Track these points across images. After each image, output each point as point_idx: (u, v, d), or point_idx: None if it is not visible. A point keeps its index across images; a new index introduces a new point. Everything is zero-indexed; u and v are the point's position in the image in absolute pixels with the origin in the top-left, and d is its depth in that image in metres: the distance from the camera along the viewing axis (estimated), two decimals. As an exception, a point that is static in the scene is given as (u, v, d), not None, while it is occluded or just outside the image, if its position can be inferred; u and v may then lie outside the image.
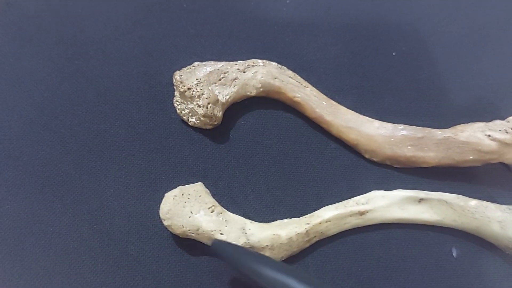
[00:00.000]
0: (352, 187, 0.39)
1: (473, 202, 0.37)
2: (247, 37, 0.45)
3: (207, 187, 0.37)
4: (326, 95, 0.42)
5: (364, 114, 0.41)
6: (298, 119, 0.42)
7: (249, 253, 0.32)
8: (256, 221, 0.37)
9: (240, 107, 0.41)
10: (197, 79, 0.39)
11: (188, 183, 0.37)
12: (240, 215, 0.37)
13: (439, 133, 0.39)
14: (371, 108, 0.42)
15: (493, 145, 0.38)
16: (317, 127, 0.41)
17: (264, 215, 0.38)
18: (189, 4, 0.46)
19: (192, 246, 0.36)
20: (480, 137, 0.38)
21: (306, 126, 0.42)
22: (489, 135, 0.38)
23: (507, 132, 0.37)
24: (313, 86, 0.42)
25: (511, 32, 0.47)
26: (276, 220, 0.37)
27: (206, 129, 0.40)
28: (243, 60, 0.41)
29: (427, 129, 0.39)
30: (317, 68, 0.44)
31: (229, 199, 0.38)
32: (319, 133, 0.41)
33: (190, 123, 0.40)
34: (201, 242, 0.35)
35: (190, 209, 0.34)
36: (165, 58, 0.43)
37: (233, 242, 0.34)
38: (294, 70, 0.42)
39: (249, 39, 0.45)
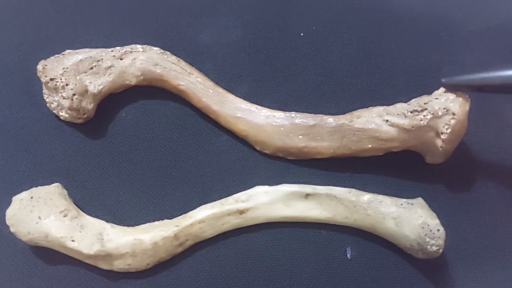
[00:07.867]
0: (241, 183, 0.35)
1: (366, 197, 0.32)
2: (142, 22, 0.41)
3: (74, 188, 0.34)
4: (222, 82, 0.38)
5: (263, 102, 0.37)
6: (186, 109, 0.38)
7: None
8: (127, 225, 0.33)
9: (120, 98, 0.37)
10: (63, 68, 0.35)
11: (54, 183, 0.33)
12: (110, 218, 0.33)
13: (332, 120, 0.35)
14: (272, 95, 0.39)
15: (391, 131, 0.34)
16: (207, 118, 0.37)
17: (138, 217, 0.34)
18: (78, -11, 0.42)
19: (48, 254, 0.32)
20: (377, 123, 0.34)
21: (195, 117, 0.38)
22: (387, 120, 0.34)
23: (405, 116, 0.33)
24: (208, 72, 0.38)
25: (423, 10, 0.42)
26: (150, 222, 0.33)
27: (80, 124, 0.36)
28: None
29: (319, 116, 0.35)
30: (214, 53, 0.40)
31: (99, 200, 0.34)
32: (209, 125, 0.37)
33: (61, 118, 0.36)
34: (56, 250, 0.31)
35: (38, 214, 0.31)
36: (47, 48, 0.39)
37: (85, 250, 0.30)
38: (189, 56, 0.38)
39: (144, 24, 0.41)
